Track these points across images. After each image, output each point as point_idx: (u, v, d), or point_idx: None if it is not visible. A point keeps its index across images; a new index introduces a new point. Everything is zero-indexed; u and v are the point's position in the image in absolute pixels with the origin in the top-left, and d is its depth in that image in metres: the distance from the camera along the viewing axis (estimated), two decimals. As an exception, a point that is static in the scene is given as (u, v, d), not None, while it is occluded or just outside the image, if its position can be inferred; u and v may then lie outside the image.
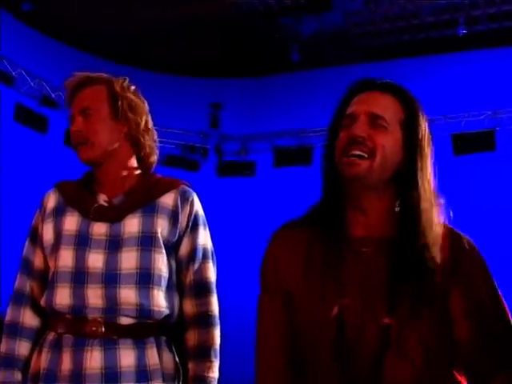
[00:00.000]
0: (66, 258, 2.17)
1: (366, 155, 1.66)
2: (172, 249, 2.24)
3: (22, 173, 9.23)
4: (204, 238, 2.30)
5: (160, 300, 2.18)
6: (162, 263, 2.20)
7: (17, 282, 2.31)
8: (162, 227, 2.21)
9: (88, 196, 2.28)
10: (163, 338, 2.21)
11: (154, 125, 2.41)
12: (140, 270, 2.16)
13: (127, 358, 2.11)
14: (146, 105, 2.41)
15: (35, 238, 2.32)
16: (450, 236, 1.69)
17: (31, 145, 9.50)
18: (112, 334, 2.12)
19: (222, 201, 10.90)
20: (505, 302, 1.65)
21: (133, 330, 2.15)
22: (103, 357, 2.09)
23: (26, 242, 2.34)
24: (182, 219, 2.25)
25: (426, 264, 1.58)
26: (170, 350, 2.23)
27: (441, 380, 1.55)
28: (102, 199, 2.27)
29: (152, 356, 2.15)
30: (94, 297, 2.12)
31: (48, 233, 2.27)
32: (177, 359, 2.25)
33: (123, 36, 10.16)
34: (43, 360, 2.16)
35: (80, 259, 2.16)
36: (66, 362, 2.10)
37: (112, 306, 2.13)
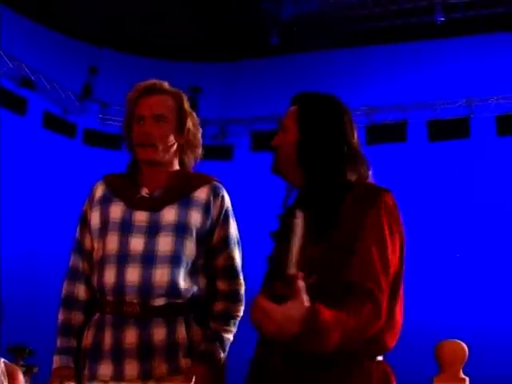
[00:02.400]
0: (112, 243, 2.49)
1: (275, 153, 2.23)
2: (204, 237, 2.55)
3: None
4: (233, 228, 2.63)
5: (188, 281, 2.50)
6: (191, 249, 2.51)
7: (71, 261, 2.62)
8: (195, 218, 2.53)
9: (132, 188, 2.58)
10: (191, 316, 2.49)
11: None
12: (173, 253, 2.47)
13: (160, 334, 2.42)
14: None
15: (85, 222, 2.62)
16: (359, 189, 2.09)
17: (10, 126, 9.48)
18: (147, 314, 2.43)
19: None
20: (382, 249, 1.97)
21: (164, 310, 2.45)
22: (139, 333, 2.41)
23: (78, 227, 2.65)
24: (214, 212, 2.58)
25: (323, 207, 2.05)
26: (198, 327, 2.50)
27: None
28: (144, 192, 2.56)
29: (181, 333, 2.45)
30: (132, 275, 2.43)
31: (95, 218, 2.57)
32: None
33: (101, 17, 10.11)
34: (89, 338, 2.48)
35: (123, 243, 2.47)
36: (108, 339, 2.43)
37: (147, 286, 2.42)
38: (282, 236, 1.80)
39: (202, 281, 2.56)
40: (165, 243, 2.47)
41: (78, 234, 2.63)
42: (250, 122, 11.01)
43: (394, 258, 1.99)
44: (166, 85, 2.67)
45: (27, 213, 9.45)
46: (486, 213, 9.75)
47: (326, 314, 1.80)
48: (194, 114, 2.71)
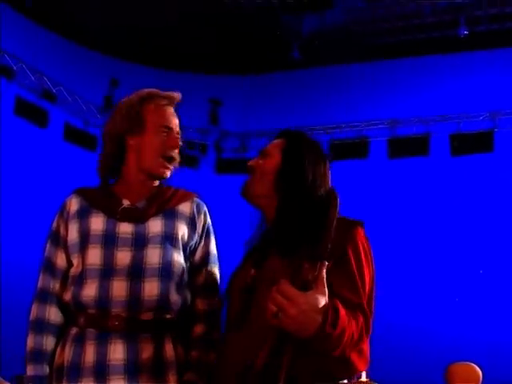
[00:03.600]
0: (94, 257, 2.36)
1: (251, 174, 2.33)
2: (188, 252, 2.49)
3: (21, 167, 9.25)
4: (214, 245, 2.59)
5: (177, 294, 2.40)
6: (179, 262, 2.43)
7: (40, 282, 2.46)
8: (182, 231, 2.47)
9: (112, 199, 2.47)
10: (177, 333, 2.41)
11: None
12: (162, 266, 2.38)
13: (147, 351, 2.31)
14: None
15: (57, 240, 2.48)
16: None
17: (31, 139, 9.51)
18: (133, 329, 2.31)
19: (220, 198, 10.91)
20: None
21: (152, 326, 2.34)
22: (126, 350, 2.28)
23: (48, 244, 2.50)
24: (198, 227, 2.53)
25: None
26: (182, 344, 2.41)
27: None
28: (126, 203, 2.45)
29: (169, 349, 2.35)
30: (119, 289, 2.31)
31: (72, 233, 2.43)
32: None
33: (122, 31, 10.15)
34: (67, 353, 2.33)
35: (108, 257, 2.35)
36: (90, 355, 2.29)
37: (135, 299, 2.31)
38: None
39: (187, 297, 2.45)
40: (153, 255, 2.37)
41: (47, 253, 2.48)
42: (271, 135, 10.94)
43: (368, 286, 2.02)
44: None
45: (48, 224, 9.44)
46: (509, 229, 9.64)
47: (343, 309, 1.78)
48: None
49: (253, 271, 2.13)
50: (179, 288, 2.42)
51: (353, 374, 2.01)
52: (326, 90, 10.81)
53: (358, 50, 10.45)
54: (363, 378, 2.06)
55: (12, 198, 9.02)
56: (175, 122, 2.53)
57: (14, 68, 9.44)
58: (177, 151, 2.51)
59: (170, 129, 2.51)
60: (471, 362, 4.37)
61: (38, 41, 9.98)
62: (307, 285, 1.69)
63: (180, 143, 2.53)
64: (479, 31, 9.96)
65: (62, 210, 2.51)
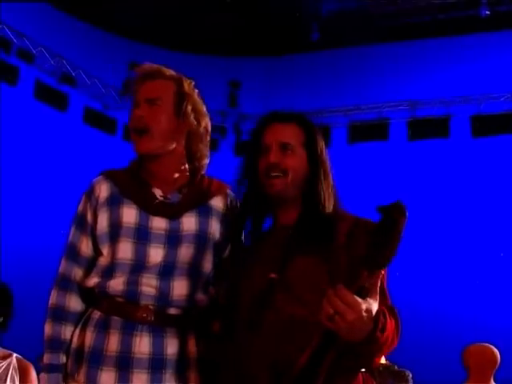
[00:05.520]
0: (125, 251, 2.28)
1: (281, 174, 2.21)
2: (219, 248, 2.41)
3: (41, 150, 9.29)
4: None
5: (204, 293, 2.36)
6: (209, 261, 2.38)
7: (62, 267, 2.38)
8: (215, 229, 2.39)
9: (144, 189, 2.37)
10: (199, 328, 2.35)
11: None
12: (193, 266, 2.33)
13: (172, 346, 2.26)
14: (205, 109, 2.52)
15: (83, 225, 2.39)
16: (353, 222, 2.15)
17: (51, 122, 9.55)
18: (161, 323, 2.26)
19: (239, 180, 10.92)
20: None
21: (179, 320, 2.30)
22: (152, 343, 2.23)
23: (73, 229, 2.41)
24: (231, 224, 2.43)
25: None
26: (203, 339, 2.35)
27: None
28: (158, 194, 2.37)
29: (192, 345, 2.31)
30: (149, 286, 2.26)
31: (102, 222, 2.34)
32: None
33: (141, 13, 10.15)
34: (88, 338, 2.28)
35: (140, 252, 2.28)
36: (113, 344, 2.23)
37: (164, 296, 2.27)
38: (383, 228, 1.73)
39: (212, 292, 2.40)
40: (185, 254, 2.31)
41: (72, 238, 2.39)
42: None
43: None
44: (166, 70, 2.45)
45: (69, 208, 9.50)
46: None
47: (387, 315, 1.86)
48: (200, 99, 2.47)
49: (274, 275, 2.10)
50: (206, 287, 2.38)
51: (372, 365, 2.11)
52: (346, 71, 10.76)
53: (378, 30, 10.38)
54: (382, 361, 2.10)
55: (32, 182, 9.07)
56: (145, 93, 2.44)
57: (34, 52, 9.48)
58: (139, 121, 2.40)
59: (137, 102, 2.44)
60: (489, 343, 4.35)
61: (57, 24, 10.00)
62: (362, 291, 1.72)
63: (142, 111, 2.41)
64: (501, 11, 9.85)
65: (90, 194, 2.40)
